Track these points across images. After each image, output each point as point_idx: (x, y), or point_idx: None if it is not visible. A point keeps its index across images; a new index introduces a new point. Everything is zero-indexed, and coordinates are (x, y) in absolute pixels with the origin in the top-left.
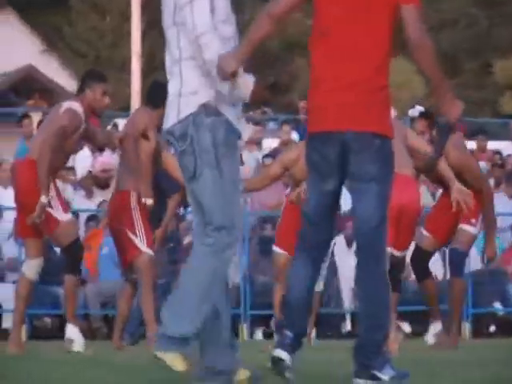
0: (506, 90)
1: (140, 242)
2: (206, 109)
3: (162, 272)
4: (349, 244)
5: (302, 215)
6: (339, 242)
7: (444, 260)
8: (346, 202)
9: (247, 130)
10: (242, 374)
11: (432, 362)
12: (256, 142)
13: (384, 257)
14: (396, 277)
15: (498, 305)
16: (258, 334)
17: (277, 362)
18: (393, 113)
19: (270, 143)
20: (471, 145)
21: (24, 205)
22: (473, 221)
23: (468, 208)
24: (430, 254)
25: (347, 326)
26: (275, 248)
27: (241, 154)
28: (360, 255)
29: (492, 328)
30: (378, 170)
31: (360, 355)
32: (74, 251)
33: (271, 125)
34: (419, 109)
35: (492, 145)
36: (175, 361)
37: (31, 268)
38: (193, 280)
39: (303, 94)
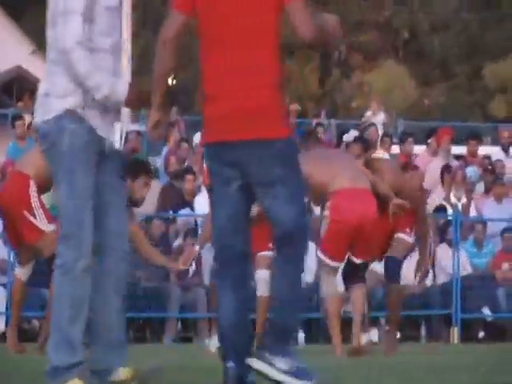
0: (496, 93)
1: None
2: (70, 114)
3: (151, 276)
4: None
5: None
6: None
7: (433, 266)
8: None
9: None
10: (125, 372)
11: (420, 366)
12: None
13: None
14: (362, 279)
15: (486, 310)
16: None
17: None
18: (383, 117)
19: None
20: (462, 149)
21: (10, 214)
22: (407, 230)
23: (404, 214)
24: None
25: None
26: None
27: None
28: (286, 252)
29: (481, 334)
30: (284, 173)
31: (265, 338)
32: None
33: None
34: (353, 133)
35: (482, 150)
36: None
37: (24, 273)
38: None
39: (294, 96)
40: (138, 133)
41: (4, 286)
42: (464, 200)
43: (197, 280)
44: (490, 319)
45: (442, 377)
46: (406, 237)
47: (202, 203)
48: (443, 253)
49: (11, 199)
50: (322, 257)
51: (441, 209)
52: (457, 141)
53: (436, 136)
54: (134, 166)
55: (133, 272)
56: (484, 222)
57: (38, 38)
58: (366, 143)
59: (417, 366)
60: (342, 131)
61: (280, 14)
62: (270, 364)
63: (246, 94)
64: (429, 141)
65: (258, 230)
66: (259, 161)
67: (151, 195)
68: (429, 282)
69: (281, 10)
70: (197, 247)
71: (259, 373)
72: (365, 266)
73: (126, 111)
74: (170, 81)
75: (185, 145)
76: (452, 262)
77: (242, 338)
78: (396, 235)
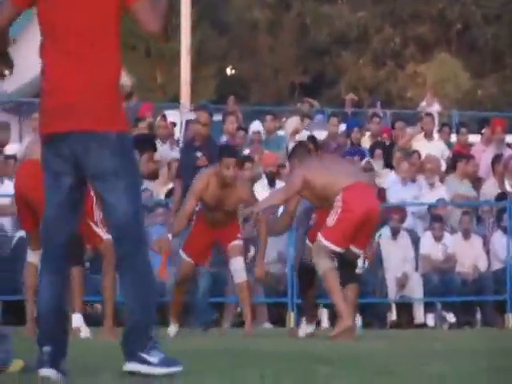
0: None
1: None
2: None
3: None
4: (394, 235)
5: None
6: (384, 233)
7: (487, 252)
8: (392, 194)
9: (292, 122)
10: (16, 364)
11: (474, 351)
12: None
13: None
14: (353, 270)
15: None
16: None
17: (46, 382)
18: (437, 107)
19: (317, 136)
20: None
21: (30, 200)
22: None
23: None
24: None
25: (393, 315)
26: (182, 253)
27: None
28: (122, 248)
29: None
30: (119, 165)
31: (129, 341)
32: (78, 244)
33: (318, 117)
34: (306, 133)
35: None
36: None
37: (37, 257)
38: None
39: (349, 87)
40: None
41: None
42: None
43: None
44: None
45: (495, 361)
46: None
47: (260, 190)
48: (497, 240)
49: (27, 187)
50: (327, 243)
51: (502, 197)
52: (509, 130)
53: (489, 126)
54: (140, 142)
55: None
56: None
57: None
58: (316, 143)
59: (470, 350)
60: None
61: (120, 12)
62: (142, 362)
63: (81, 88)
64: (482, 131)
65: (228, 223)
66: (92, 153)
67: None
68: (483, 268)
69: (121, 9)
70: (169, 235)
71: (136, 373)
72: (355, 265)
73: (184, 101)
74: (228, 71)
75: (241, 133)
76: (506, 248)
77: (58, 324)
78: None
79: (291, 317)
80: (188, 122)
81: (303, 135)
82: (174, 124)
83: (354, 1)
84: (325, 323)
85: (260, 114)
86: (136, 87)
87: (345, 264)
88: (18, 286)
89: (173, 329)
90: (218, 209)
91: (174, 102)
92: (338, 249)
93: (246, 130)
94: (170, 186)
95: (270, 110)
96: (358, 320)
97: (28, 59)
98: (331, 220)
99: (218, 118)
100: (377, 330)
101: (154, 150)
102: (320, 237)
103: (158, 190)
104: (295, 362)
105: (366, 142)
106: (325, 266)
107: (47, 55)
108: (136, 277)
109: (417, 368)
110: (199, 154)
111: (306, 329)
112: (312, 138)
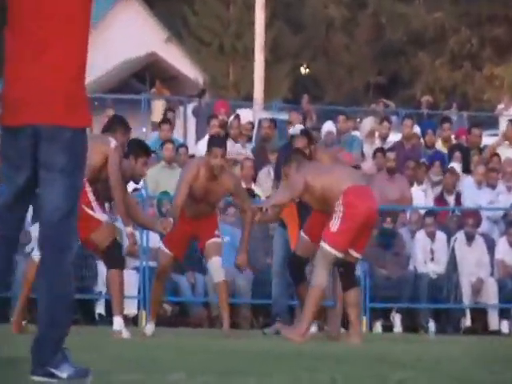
0: None
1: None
2: None
3: None
4: (469, 240)
5: None
6: (460, 238)
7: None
8: (467, 198)
9: (368, 122)
10: None
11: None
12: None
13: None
14: (353, 274)
15: None
16: (378, 327)
17: None
18: None
19: (392, 137)
20: None
21: None
22: None
23: None
24: (306, 260)
25: (467, 321)
26: (161, 245)
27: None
28: (45, 247)
29: None
30: (68, 162)
31: (37, 351)
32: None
33: (393, 119)
34: (299, 127)
35: None
36: None
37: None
38: None
39: (426, 88)
40: (271, 120)
41: (137, 269)
42: None
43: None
44: None
45: None
46: None
47: None
48: None
49: None
50: (331, 249)
51: None
52: None
53: None
54: (136, 147)
55: (263, 259)
56: None
57: (170, 25)
58: (310, 136)
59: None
60: (475, 123)
61: (89, 5)
62: (50, 376)
63: (40, 81)
64: None
65: (208, 216)
66: (43, 147)
67: None
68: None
69: (89, 2)
70: (170, 219)
71: None
72: (354, 268)
73: (258, 99)
74: (303, 69)
75: (315, 133)
76: None
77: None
78: None
79: (363, 321)
80: (261, 121)
81: (297, 128)
82: (252, 124)
83: (431, 1)
84: (398, 327)
85: (334, 114)
86: (209, 84)
87: (345, 268)
88: None
89: (150, 327)
90: (203, 200)
91: (247, 100)
92: (339, 254)
93: (319, 129)
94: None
95: (343, 110)
96: (363, 322)
97: (94, 60)
98: (334, 225)
99: (284, 116)
100: (450, 336)
101: (149, 154)
102: (323, 242)
103: None
104: (366, 365)
105: (440, 145)
106: (319, 281)
107: (9, 42)
108: (54, 284)
109: (494, 376)
110: None
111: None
112: (306, 132)
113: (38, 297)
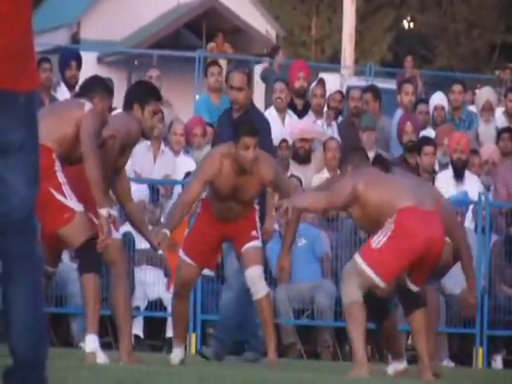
0: None
1: None
2: None
3: None
4: None
5: None
6: None
7: None
8: None
9: (484, 94)
10: None
11: None
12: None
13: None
14: (412, 293)
15: None
16: (498, 361)
17: None
18: None
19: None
20: None
21: None
22: None
23: None
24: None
25: None
26: (182, 254)
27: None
28: (7, 247)
29: None
30: (27, 136)
31: (19, 377)
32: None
33: None
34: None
35: None
36: None
37: None
38: None
39: None
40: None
41: None
42: None
43: None
44: None
45: None
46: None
47: (442, 184)
48: None
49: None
50: (370, 272)
51: None
52: None
53: None
54: (140, 92)
55: None
56: None
57: None
58: (385, 163)
59: None
60: None
61: None
62: None
63: None
64: None
65: (243, 216)
66: (6, 117)
67: None
68: None
69: None
70: (165, 230)
71: None
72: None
73: (347, 61)
74: (406, 23)
75: (423, 107)
76: None
77: None
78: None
79: (479, 353)
80: (350, 90)
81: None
82: (342, 94)
83: None
84: None
85: (447, 82)
86: (284, 40)
87: (400, 290)
88: None
89: (178, 354)
90: (233, 198)
91: (334, 62)
92: (382, 284)
93: (427, 102)
94: (325, 173)
95: (459, 78)
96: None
97: (137, 5)
98: (378, 240)
99: (391, 85)
100: None
101: (159, 101)
102: (358, 257)
103: (310, 177)
104: None
105: None
106: (353, 297)
107: None
108: (26, 292)
109: None
110: None
111: (395, 366)
112: (380, 158)
113: (4, 310)
